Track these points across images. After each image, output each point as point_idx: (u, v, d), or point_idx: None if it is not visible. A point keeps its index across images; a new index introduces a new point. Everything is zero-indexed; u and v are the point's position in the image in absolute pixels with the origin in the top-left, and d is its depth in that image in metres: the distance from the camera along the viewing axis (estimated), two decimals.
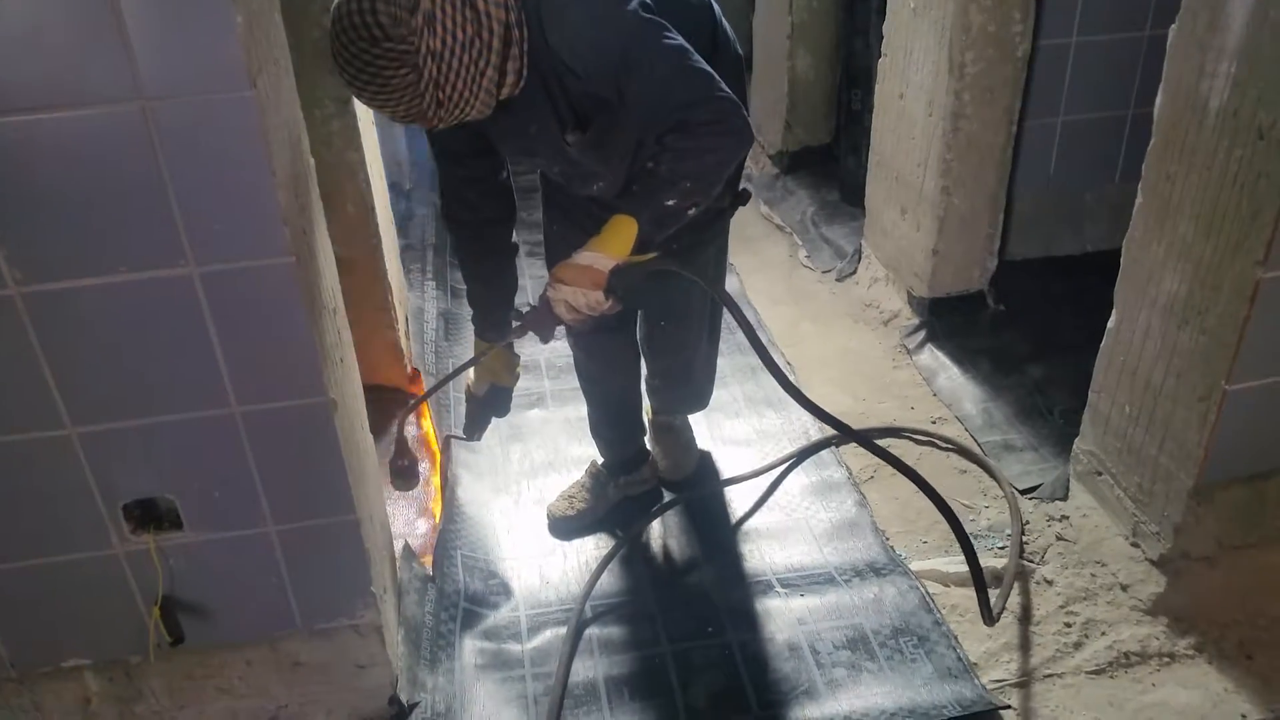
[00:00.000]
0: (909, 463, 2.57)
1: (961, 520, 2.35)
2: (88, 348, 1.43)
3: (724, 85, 1.59)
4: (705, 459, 2.66)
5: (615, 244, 1.61)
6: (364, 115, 2.65)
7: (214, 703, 1.81)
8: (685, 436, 2.61)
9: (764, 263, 3.82)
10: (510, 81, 1.62)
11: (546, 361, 3.10)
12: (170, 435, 1.52)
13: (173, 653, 1.70)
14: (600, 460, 2.50)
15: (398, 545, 2.08)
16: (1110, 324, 2.17)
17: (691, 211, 1.65)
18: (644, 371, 2.45)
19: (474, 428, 2.18)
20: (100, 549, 1.59)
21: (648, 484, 2.52)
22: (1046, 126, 2.98)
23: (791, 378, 2.97)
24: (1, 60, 1.22)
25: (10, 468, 1.50)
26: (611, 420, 2.46)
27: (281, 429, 1.54)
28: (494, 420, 2.21)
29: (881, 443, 2.66)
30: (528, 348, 3.13)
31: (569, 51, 1.60)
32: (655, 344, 2.33)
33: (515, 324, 1.80)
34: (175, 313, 1.42)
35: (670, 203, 1.61)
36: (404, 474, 1.88)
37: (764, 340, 1.95)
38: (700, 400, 2.55)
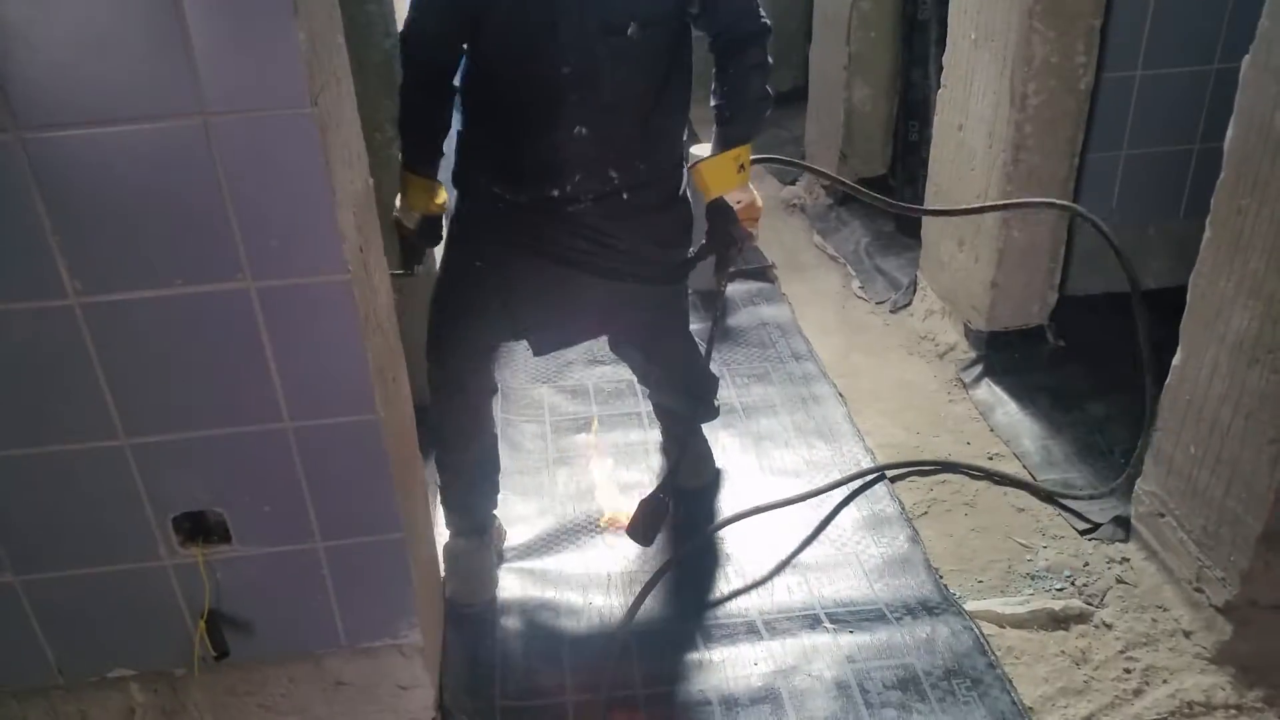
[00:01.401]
0: (965, 499, 2.55)
1: (1019, 560, 2.31)
2: (143, 359, 1.44)
3: None
4: (749, 484, 2.63)
5: (739, 170, 2.02)
6: None
7: (256, 718, 1.81)
8: (702, 448, 2.64)
9: (816, 293, 3.78)
10: None
11: (595, 387, 3.09)
12: (222, 448, 1.52)
13: (217, 667, 1.70)
14: (451, 534, 2.27)
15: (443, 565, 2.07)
16: (1175, 361, 2.10)
17: None
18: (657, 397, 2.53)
19: (412, 260, 2.16)
20: (149, 560, 1.60)
21: (499, 541, 2.37)
22: (1109, 160, 2.91)
23: (844, 408, 2.96)
24: (67, 74, 1.24)
25: (64, 477, 1.51)
26: (477, 480, 2.26)
27: (332, 445, 1.55)
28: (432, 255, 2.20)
29: (936, 478, 2.63)
30: (575, 373, 3.14)
31: None
32: (656, 360, 2.38)
33: (729, 271, 2.17)
34: (231, 326, 1.43)
35: (761, 115, 2.04)
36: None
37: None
38: (711, 407, 2.56)
